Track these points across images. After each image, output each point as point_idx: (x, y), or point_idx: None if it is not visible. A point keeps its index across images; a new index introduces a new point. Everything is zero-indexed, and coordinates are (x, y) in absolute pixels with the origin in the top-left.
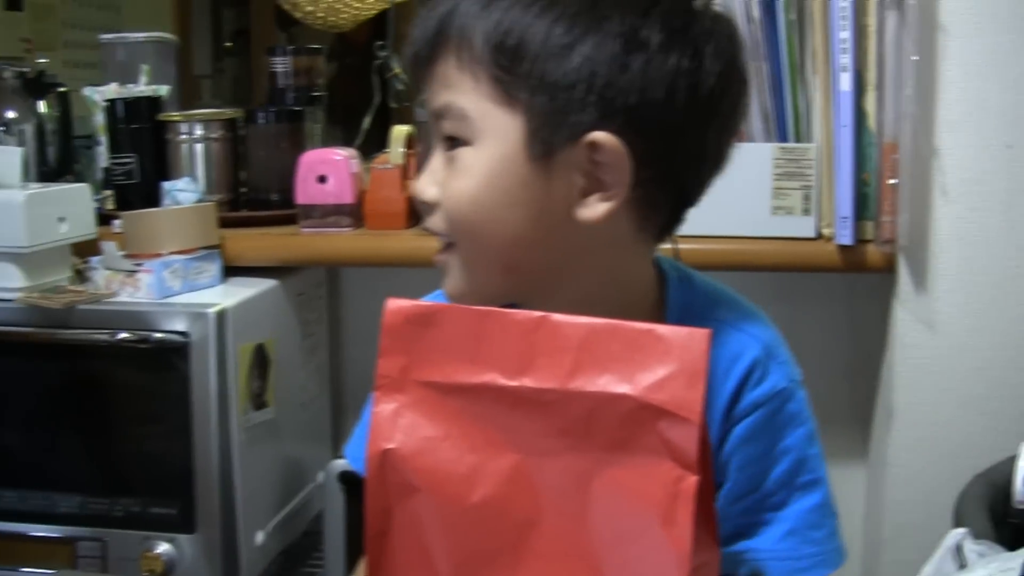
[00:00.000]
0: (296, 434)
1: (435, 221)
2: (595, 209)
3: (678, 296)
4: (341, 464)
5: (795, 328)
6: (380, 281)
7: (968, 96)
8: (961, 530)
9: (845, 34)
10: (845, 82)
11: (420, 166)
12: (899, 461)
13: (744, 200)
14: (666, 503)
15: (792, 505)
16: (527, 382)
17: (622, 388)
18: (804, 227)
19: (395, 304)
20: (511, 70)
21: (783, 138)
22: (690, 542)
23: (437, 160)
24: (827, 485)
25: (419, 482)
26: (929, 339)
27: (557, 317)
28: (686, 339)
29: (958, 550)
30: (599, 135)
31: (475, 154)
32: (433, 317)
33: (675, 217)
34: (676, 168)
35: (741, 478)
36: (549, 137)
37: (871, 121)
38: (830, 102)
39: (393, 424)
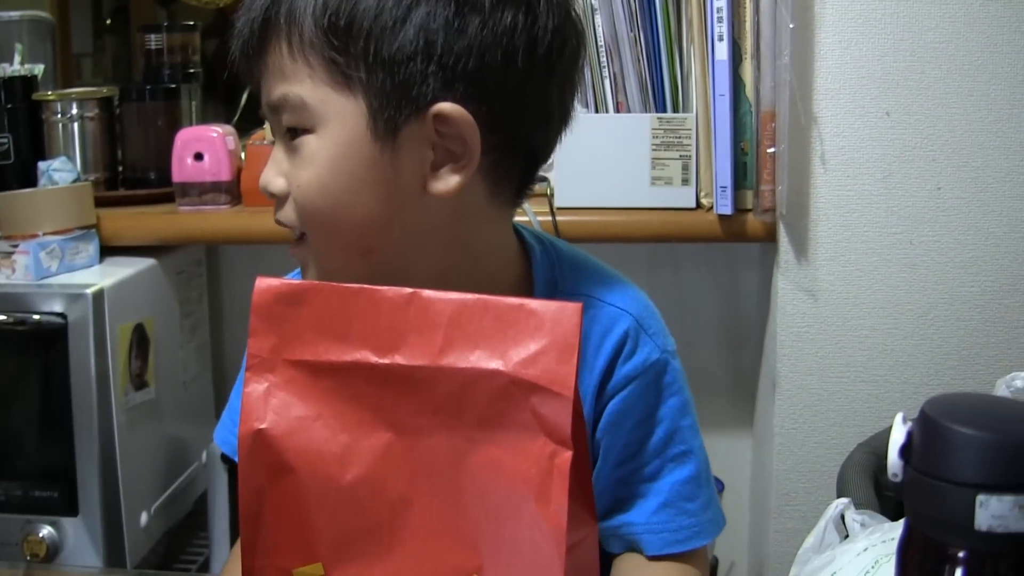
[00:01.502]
0: (178, 414)
1: (285, 213)
2: (448, 181)
3: (545, 269)
4: None
5: (677, 299)
6: (260, 258)
7: (845, 64)
8: (843, 500)
9: (721, 3)
10: (721, 51)
11: None
12: (783, 431)
13: (623, 171)
14: (540, 479)
15: (665, 477)
16: (398, 359)
17: (493, 364)
18: (683, 197)
19: (264, 283)
20: (345, 51)
21: (661, 108)
22: (566, 518)
23: (279, 151)
24: (701, 456)
25: (292, 462)
26: (811, 308)
27: (427, 293)
28: (557, 313)
29: (841, 520)
30: (444, 106)
31: (318, 141)
32: (303, 295)
33: (527, 179)
34: (524, 130)
35: (614, 451)
36: (392, 115)
37: (748, 90)
38: (707, 72)
39: (264, 404)
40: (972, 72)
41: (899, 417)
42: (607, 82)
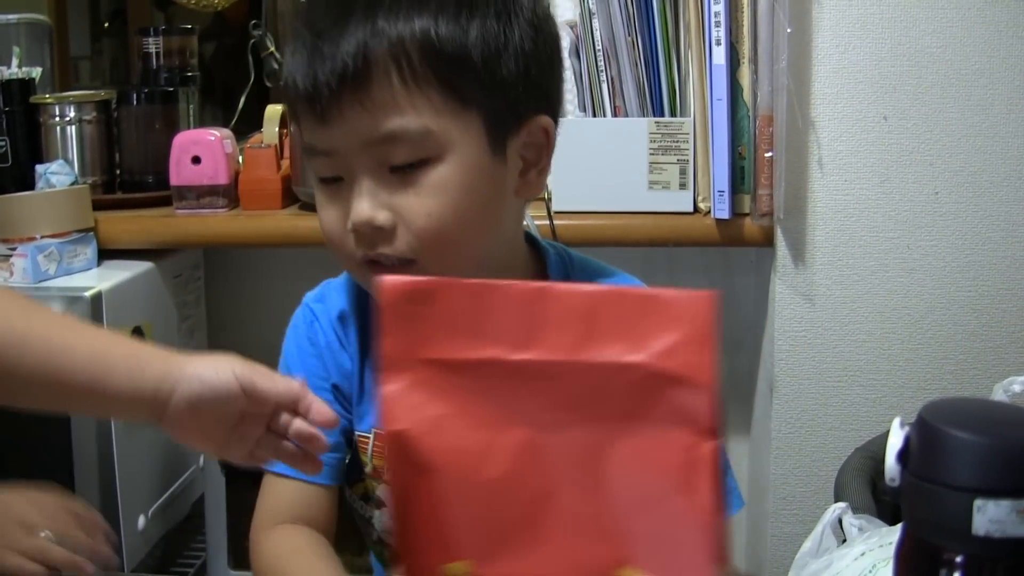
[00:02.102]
0: None
1: (396, 246)
2: (536, 184)
3: (559, 268)
4: None
5: None
6: (257, 261)
7: (843, 68)
8: (841, 504)
9: (718, 7)
10: (719, 55)
11: (292, 146)
12: (780, 435)
13: (620, 175)
14: (685, 471)
15: None
16: (533, 355)
17: (631, 357)
18: (681, 201)
19: (391, 281)
20: (461, 78)
21: (658, 112)
22: (713, 509)
23: (371, 184)
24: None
25: (435, 461)
26: (808, 312)
27: (559, 286)
28: (690, 303)
29: (839, 524)
30: (541, 118)
31: (448, 169)
32: (432, 293)
33: None
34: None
35: None
36: (504, 132)
37: (746, 94)
38: (704, 76)
39: (402, 405)
40: (969, 77)
41: (896, 422)
42: (604, 86)
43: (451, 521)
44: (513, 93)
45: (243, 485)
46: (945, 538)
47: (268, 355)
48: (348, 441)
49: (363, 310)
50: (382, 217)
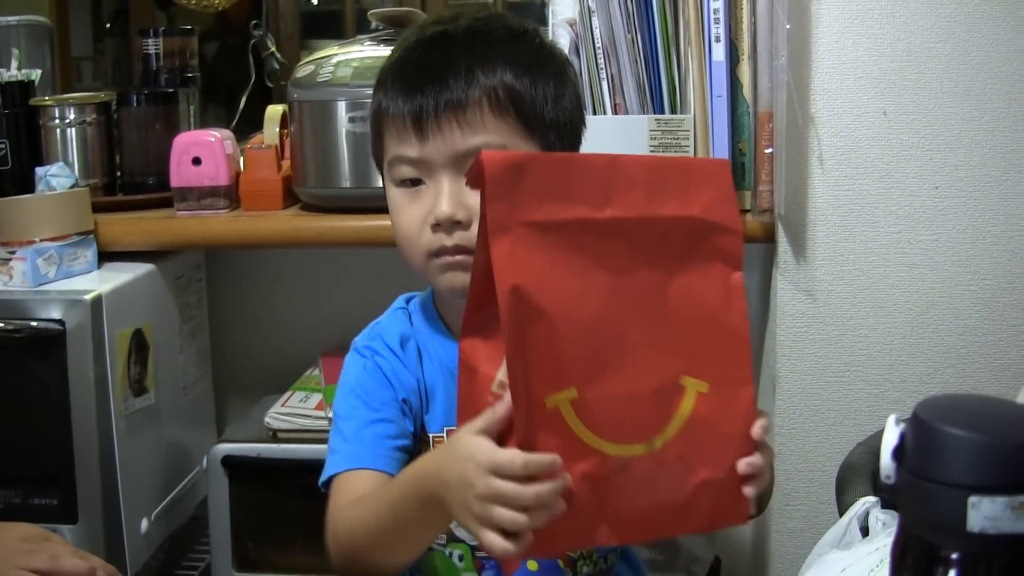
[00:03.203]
0: (178, 419)
1: (472, 237)
2: None
3: None
4: (224, 448)
5: None
6: (259, 262)
7: (842, 64)
8: (871, 498)
9: (717, 4)
10: (718, 52)
11: (295, 146)
12: (783, 431)
13: None
14: (723, 295)
15: None
16: (610, 214)
17: (687, 211)
18: None
19: (490, 155)
20: (530, 112)
21: (659, 110)
22: (746, 322)
23: (453, 186)
24: None
25: (542, 308)
26: (809, 308)
27: (625, 157)
28: (717, 167)
29: (865, 517)
30: None
31: None
32: (524, 165)
33: None
34: None
35: None
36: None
37: (746, 91)
38: (704, 73)
39: (511, 262)
40: (969, 71)
41: (892, 419)
42: (604, 84)
43: (557, 356)
44: (560, 133)
45: (247, 487)
46: (941, 535)
47: (269, 354)
48: (415, 446)
49: (415, 334)
50: (461, 214)
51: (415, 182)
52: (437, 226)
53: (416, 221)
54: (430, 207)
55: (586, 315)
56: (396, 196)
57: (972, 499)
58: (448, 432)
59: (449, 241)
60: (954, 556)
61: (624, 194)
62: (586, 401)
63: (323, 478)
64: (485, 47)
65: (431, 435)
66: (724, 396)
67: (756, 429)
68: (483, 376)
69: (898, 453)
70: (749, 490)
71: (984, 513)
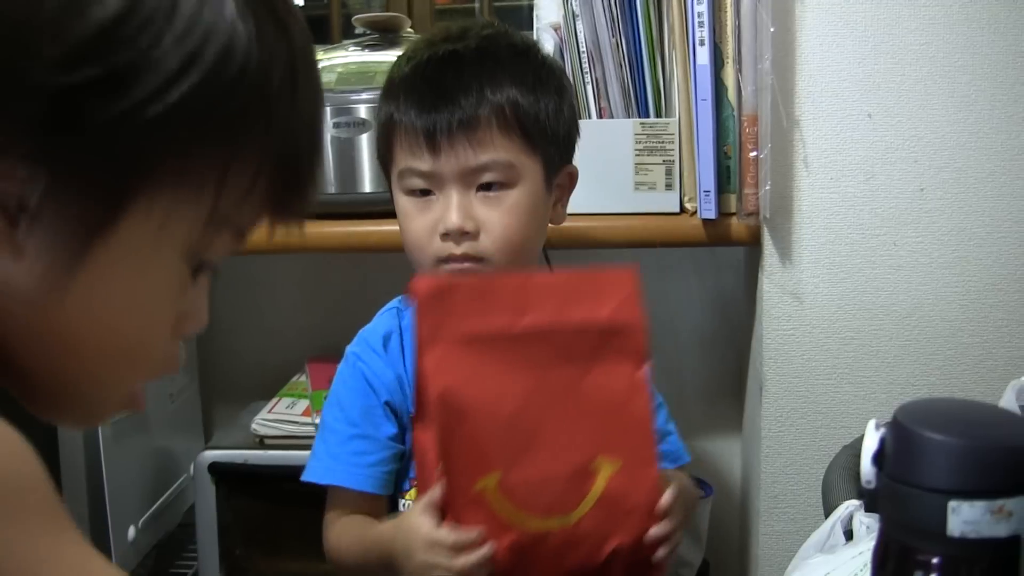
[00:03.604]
0: (165, 426)
1: (478, 245)
2: (561, 214)
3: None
4: (211, 456)
5: (664, 304)
6: (246, 268)
7: (827, 66)
8: (855, 502)
9: (701, 7)
10: (703, 56)
11: None
12: (771, 433)
13: (606, 177)
14: (630, 388)
15: (661, 417)
16: (527, 323)
17: (592, 317)
18: (667, 202)
19: (422, 280)
20: (534, 130)
21: (643, 114)
22: (649, 412)
23: (463, 199)
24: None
25: (468, 405)
26: (796, 310)
27: (537, 275)
28: (621, 275)
29: (850, 520)
30: (571, 166)
31: (519, 194)
32: (450, 288)
33: None
34: None
35: None
36: (553, 171)
37: (731, 94)
38: (689, 76)
39: (440, 369)
40: (953, 73)
41: (872, 424)
42: (589, 88)
43: (482, 447)
44: (559, 146)
45: (234, 493)
46: (920, 540)
47: (255, 361)
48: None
49: (403, 329)
50: (469, 225)
51: (424, 192)
52: (446, 235)
53: (426, 229)
54: (439, 217)
55: (507, 410)
56: (405, 204)
57: (952, 503)
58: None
59: (458, 250)
60: (934, 561)
61: (537, 306)
62: (509, 483)
63: (304, 477)
64: (493, 65)
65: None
66: (633, 474)
67: (663, 501)
68: (430, 460)
69: (878, 458)
70: (660, 553)
71: (963, 517)
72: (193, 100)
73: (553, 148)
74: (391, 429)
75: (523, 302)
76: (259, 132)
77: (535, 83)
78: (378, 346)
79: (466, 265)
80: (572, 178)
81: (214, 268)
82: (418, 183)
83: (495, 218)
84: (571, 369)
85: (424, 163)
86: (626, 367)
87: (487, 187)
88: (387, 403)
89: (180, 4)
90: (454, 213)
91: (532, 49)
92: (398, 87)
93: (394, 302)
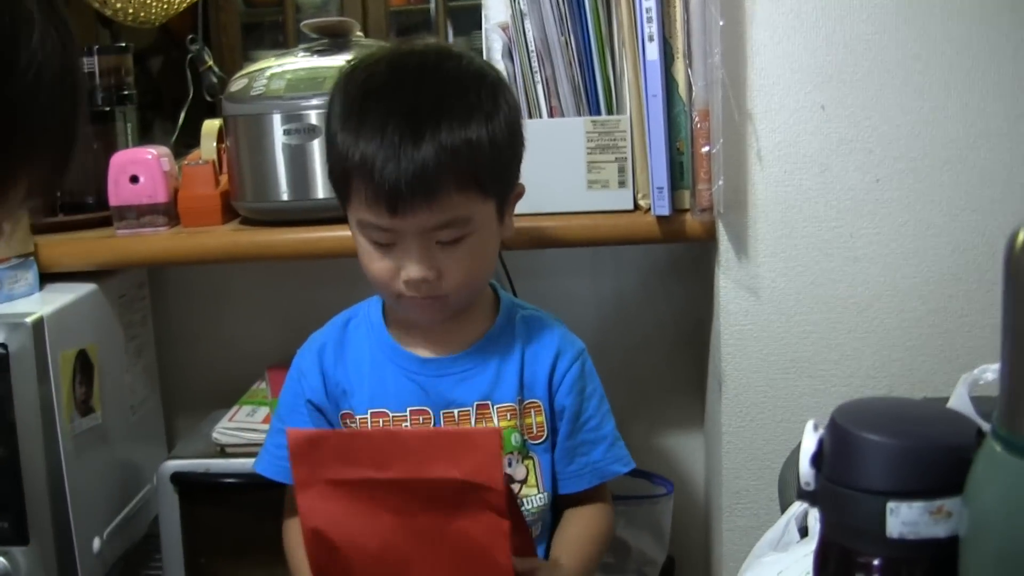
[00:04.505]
0: (127, 437)
1: (439, 288)
2: (510, 226)
3: (506, 315)
4: (174, 465)
5: (621, 301)
6: (201, 277)
7: (778, 58)
8: None
9: (649, 3)
10: (652, 52)
11: (232, 160)
12: (731, 429)
13: (559, 176)
14: (492, 537)
15: (605, 427)
16: (391, 475)
17: (453, 473)
18: (621, 200)
19: (294, 433)
20: (489, 180)
21: (595, 111)
22: (510, 563)
23: (424, 250)
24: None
25: (337, 543)
26: (753, 305)
27: (403, 430)
28: (486, 435)
29: (804, 517)
30: (519, 185)
31: (477, 239)
32: (321, 440)
33: None
34: None
35: (570, 416)
36: (504, 203)
37: (682, 89)
38: (639, 72)
39: (313, 510)
40: (906, 62)
41: (809, 425)
42: (539, 87)
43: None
44: (510, 175)
45: (197, 503)
46: (860, 541)
47: (216, 369)
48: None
49: (339, 342)
50: (431, 275)
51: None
52: (410, 283)
53: (388, 271)
54: (400, 263)
55: (373, 547)
56: (365, 245)
57: (890, 505)
58: (372, 414)
59: (420, 293)
60: (875, 563)
61: (400, 460)
62: None
63: (254, 466)
64: (449, 105)
65: (358, 417)
66: None
67: None
68: None
69: (816, 459)
70: None
71: (902, 519)
72: None
73: (505, 183)
74: (309, 425)
75: (387, 455)
76: None
77: (488, 117)
78: (313, 351)
79: (427, 300)
80: (520, 194)
81: None
82: (378, 236)
83: (455, 264)
84: (437, 515)
85: (384, 221)
86: (489, 517)
87: (455, 240)
88: (309, 401)
89: None
90: (416, 267)
91: (481, 76)
92: (354, 124)
93: (346, 312)
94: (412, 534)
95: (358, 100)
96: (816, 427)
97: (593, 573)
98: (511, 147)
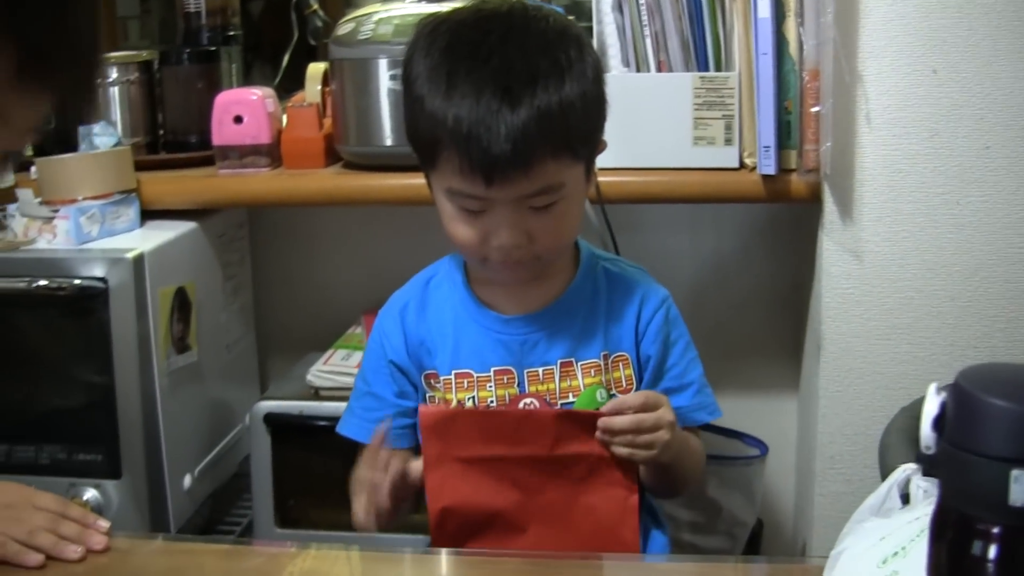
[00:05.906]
0: (221, 376)
1: (531, 251)
2: (593, 182)
3: (587, 268)
4: (267, 406)
5: (720, 261)
6: (301, 220)
7: (891, 20)
8: (912, 465)
9: None
10: (764, 9)
11: (337, 104)
12: (828, 393)
13: (665, 131)
14: (621, 512)
15: (690, 374)
16: (522, 452)
17: (585, 448)
18: (727, 157)
19: (426, 410)
20: (581, 145)
21: (703, 67)
22: (636, 538)
23: (516, 216)
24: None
25: (467, 521)
26: (856, 269)
27: (537, 410)
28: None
29: (906, 484)
30: (603, 142)
31: (566, 202)
32: (453, 417)
33: None
34: None
35: (655, 364)
36: (592, 164)
37: (792, 48)
38: (750, 30)
39: (442, 488)
40: (1021, 28)
41: (932, 387)
42: (648, 41)
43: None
44: (597, 136)
45: (289, 444)
46: (980, 508)
47: (311, 312)
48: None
49: (421, 302)
50: (523, 240)
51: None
52: (502, 249)
53: (476, 236)
54: (491, 230)
55: (500, 523)
56: (451, 211)
57: (1015, 472)
58: (456, 375)
59: (509, 259)
60: (994, 531)
61: (534, 437)
62: None
63: (337, 428)
64: (544, 80)
65: (442, 378)
66: None
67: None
68: None
69: (938, 423)
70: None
71: None
72: None
73: (593, 143)
74: (393, 387)
75: (522, 434)
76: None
77: (579, 76)
78: (395, 311)
79: (516, 264)
80: (602, 150)
81: None
82: (469, 204)
83: (547, 227)
84: (565, 490)
85: (478, 190)
86: (618, 492)
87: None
88: (392, 362)
89: None
90: (508, 233)
91: (566, 32)
92: (444, 89)
93: (427, 270)
94: (539, 509)
95: (445, 63)
96: (939, 390)
97: (684, 456)
98: (598, 105)
